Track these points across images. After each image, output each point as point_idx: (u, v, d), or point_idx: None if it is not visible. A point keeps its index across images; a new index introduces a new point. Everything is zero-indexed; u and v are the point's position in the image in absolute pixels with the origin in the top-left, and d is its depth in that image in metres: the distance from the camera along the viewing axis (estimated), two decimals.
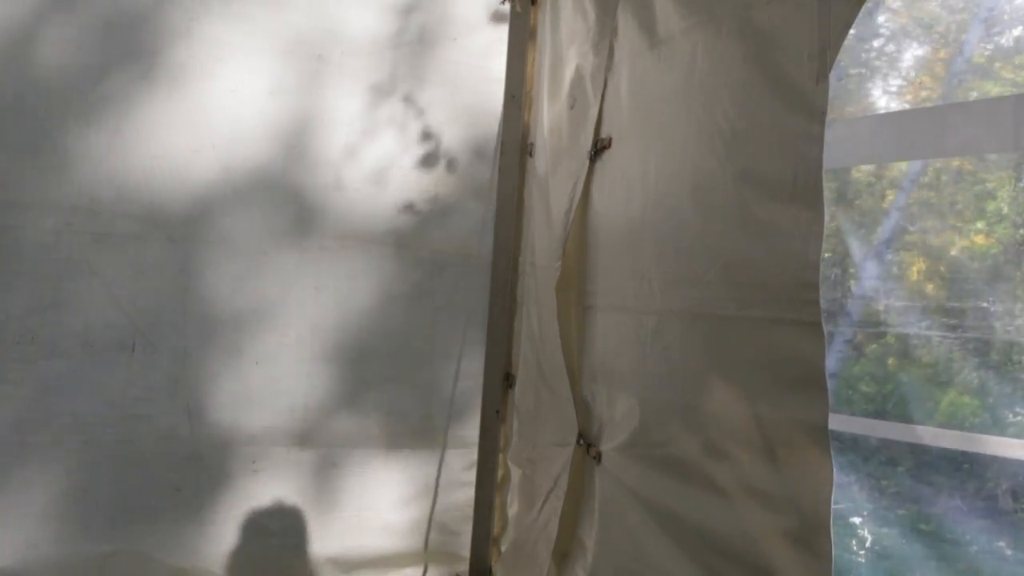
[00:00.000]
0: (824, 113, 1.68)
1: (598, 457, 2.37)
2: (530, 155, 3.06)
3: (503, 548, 3.05)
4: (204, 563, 2.66)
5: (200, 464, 2.65)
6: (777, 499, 1.74)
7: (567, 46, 2.78)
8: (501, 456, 3.09)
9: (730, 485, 1.86)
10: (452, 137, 2.97)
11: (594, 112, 2.50)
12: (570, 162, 2.63)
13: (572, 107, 2.68)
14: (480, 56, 3.00)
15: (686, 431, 2.02)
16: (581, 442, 2.45)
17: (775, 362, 1.75)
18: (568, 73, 2.75)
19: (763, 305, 1.79)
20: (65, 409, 2.49)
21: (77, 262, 2.48)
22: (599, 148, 2.47)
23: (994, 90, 3.01)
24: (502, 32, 3.03)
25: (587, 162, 2.49)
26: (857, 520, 3.29)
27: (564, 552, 2.54)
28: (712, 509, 1.91)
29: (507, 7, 3.00)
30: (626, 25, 2.42)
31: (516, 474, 3.01)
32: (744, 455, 1.83)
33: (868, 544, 3.25)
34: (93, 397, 2.52)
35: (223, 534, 2.69)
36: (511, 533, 3.01)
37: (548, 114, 2.86)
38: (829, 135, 1.69)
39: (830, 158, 1.70)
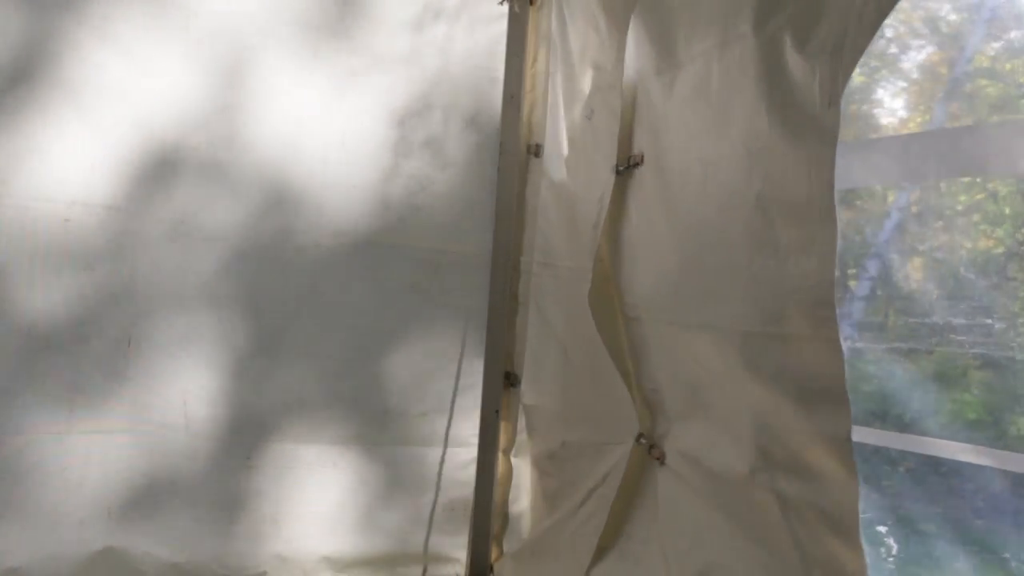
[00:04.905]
0: (835, 136, 1.72)
1: (662, 458, 2.41)
2: (535, 155, 3.06)
3: (507, 547, 3.06)
4: (198, 558, 2.67)
5: (195, 459, 2.66)
6: (809, 509, 1.81)
7: (580, 57, 2.81)
8: (501, 456, 3.09)
9: (768, 495, 1.93)
10: (451, 136, 2.98)
11: (615, 127, 2.53)
12: (593, 172, 2.66)
13: (589, 117, 2.72)
14: (478, 56, 3.00)
15: (729, 441, 2.10)
16: (642, 441, 2.47)
17: (799, 376, 1.83)
18: (584, 84, 2.78)
19: (784, 321, 1.85)
20: (62, 404, 2.51)
21: (74, 257, 2.50)
22: (632, 164, 2.51)
23: (995, 91, 3.01)
24: (501, 32, 3.03)
25: (612, 175, 2.52)
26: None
27: (604, 547, 2.57)
28: (757, 518, 1.98)
29: (505, 7, 3.01)
30: (643, 44, 2.48)
31: (528, 473, 3.03)
32: (778, 467, 1.91)
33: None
34: (89, 392, 2.54)
35: (217, 529, 2.70)
36: (525, 531, 3.03)
37: (566, 122, 2.88)
38: (845, 157, 1.73)
39: (846, 178, 1.75)
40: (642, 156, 2.48)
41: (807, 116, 1.79)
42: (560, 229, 2.93)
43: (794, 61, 1.85)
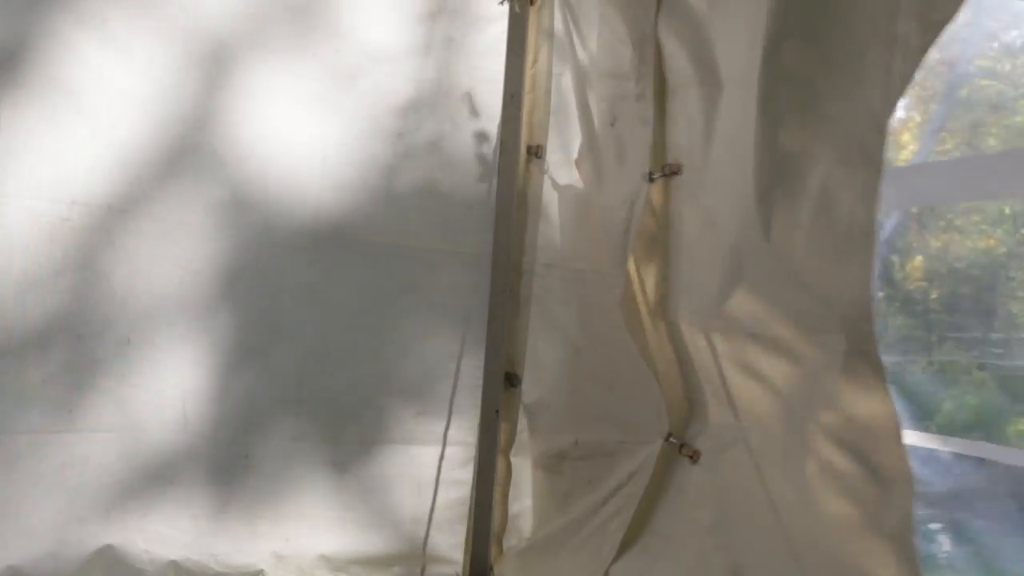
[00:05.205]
0: (880, 164, 1.77)
1: (694, 456, 2.45)
2: (536, 156, 3.06)
3: (508, 546, 3.06)
4: (195, 556, 2.67)
5: (193, 457, 2.67)
6: (859, 511, 1.86)
7: (593, 60, 2.83)
8: (500, 455, 3.09)
9: (815, 498, 1.97)
10: (450, 135, 2.99)
11: (647, 136, 2.54)
12: (620, 179, 2.67)
13: (612, 124, 2.72)
14: (479, 55, 3.01)
15: (771, 446, 2.15)
16: (672, 440, 2.51)
17: (849, 387, 1.87)
18: (600, 89, 2.79)
19: (828, 334, 1.90)
20: (61, 403, 2.51)
21: (73, 257, 2.51)
22: (668, 172, 2.53)
23: (995, 91, 3.00)
24: (501, 32, 3.03)
25: (646, 183, 2.53)
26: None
27: (626, 542, 2.60)
28: (801, 519, 2.03)
29: (506, 7, 3.01)
30: (674, 53, 2.49)
31: (529, 472, 3.04)
32: (826, 470, 1.94)
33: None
34: (88, 391, 2.54)
35: (215, 527, 2.70)
36: (527, 530, 3.05)
37: (581, 126, 2.89)
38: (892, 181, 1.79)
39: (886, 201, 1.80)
40: (680, 166, 2.50)
41: (854, 143, 1.83)
42: (570, 231, 2.95)
43: (839, 89, 1.89)
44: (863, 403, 1.82)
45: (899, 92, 1.75)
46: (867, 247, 1.79)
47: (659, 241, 2.62)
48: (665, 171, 2.54)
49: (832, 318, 1.88)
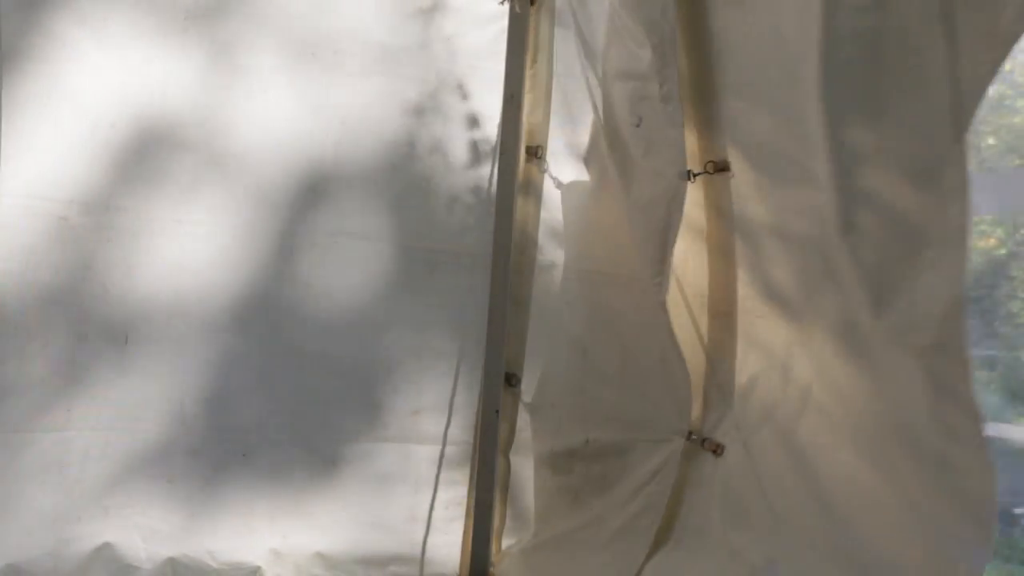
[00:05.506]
0: (965, 169, 1.74)
1: (718, 450, 2.43)
2: (537, 156, 3.06)
3: (507, 545, 3.07)
4: (192, 553, 2.68)
5: (191, 455, 2.68)
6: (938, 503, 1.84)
7: (610, 63, 2.79)
8: (500, 455, 3.09)
9: (889, 496, 1.95)
10: (450, 135, 2.99)
11: (678, 136, 2.49)
12: (651, 179, 2.61)
13: (637, 125, 2.68)
14: (478, 55, 3.01)
15: (836, 444, 2.11)
16: (693, 438, 2.49)
17: (929, 381, 1.85)
18: (621, 91, 2.75)
19: (915, 332, 1.88)
20: (60, 402, 2.52)
21: (71, 256, 2.52)
22: (712, 171, 2.47)
23: (995, 91, 2.99)
24: (501, 31, 3.03)
25: (681, 183, 2.48)
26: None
27: (657, 539, 2.58)
28: (866, 513, 2.00)
29: (506, 7, 3.01)
30: (717, 57, 2.45)
31: (530, 471, 3.04)
32: (903, 464, 1.92)
33: None
34: (87, 389, 2.55)
35: (213, 524, 2.71)
36: (529, 529, 3.04)
37: (597, 127, 2.87)
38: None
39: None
40: (727, 162, 2.44)
41: (930, 149, 1.82)
42: (575, 231, 2.94)
43: (900, 93, 1.88)
44: (944, 396, 1.81)
45: (974, 101, 1.74)
46: (961, 247, 1.77)
47: (707, 237, 2.57)
48: (708, 169, 2.47)
49: (918, 314, 1.86)
